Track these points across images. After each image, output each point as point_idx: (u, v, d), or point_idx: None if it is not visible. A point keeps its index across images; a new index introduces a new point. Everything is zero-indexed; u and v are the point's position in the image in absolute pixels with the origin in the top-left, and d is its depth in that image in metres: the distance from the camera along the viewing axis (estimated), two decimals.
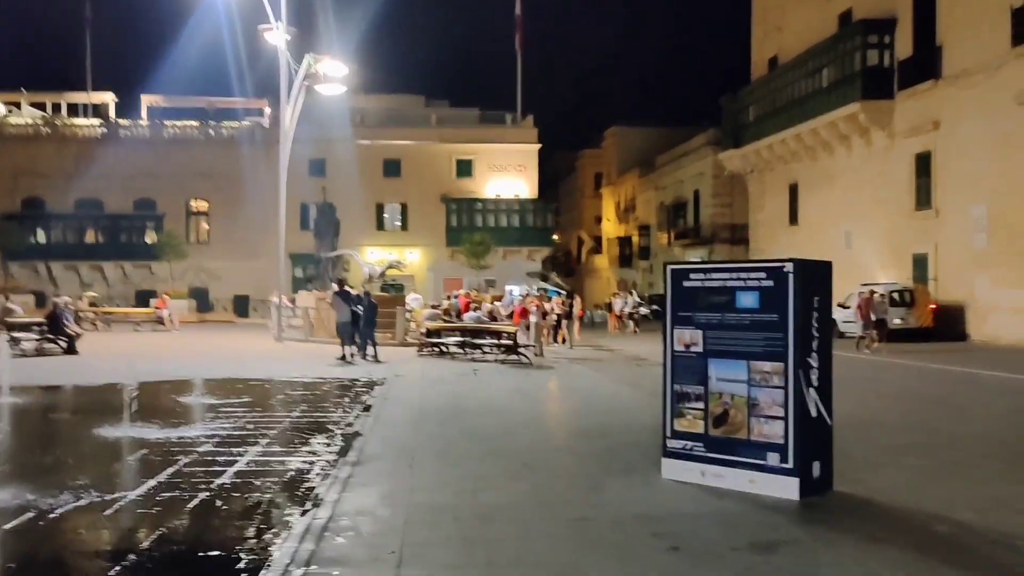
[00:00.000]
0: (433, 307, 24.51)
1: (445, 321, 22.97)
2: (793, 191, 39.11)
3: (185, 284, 47.20)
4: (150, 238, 47.04)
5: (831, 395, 6.72)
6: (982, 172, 26.24)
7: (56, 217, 47.46)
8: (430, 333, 21.49)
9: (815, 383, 6.53)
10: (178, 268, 46.34)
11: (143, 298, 44.23)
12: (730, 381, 6.71)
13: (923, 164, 29.35)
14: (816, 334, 6.55)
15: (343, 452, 8.26)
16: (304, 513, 5.98)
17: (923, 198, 29.41)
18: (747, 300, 6.62)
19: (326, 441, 8.96)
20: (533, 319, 21.27)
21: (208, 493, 6.62)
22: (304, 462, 7.84)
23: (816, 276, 6.71)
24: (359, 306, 19.64)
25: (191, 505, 6.29)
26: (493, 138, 49.48)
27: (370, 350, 19.78)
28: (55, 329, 19.27)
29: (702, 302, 6.91)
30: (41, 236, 47.53)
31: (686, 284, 7.04)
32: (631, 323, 35.25)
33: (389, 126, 49.72)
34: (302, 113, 49.06)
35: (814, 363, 6.53)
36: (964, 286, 26.97)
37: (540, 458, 8.08)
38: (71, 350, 19.18)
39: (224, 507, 6.29)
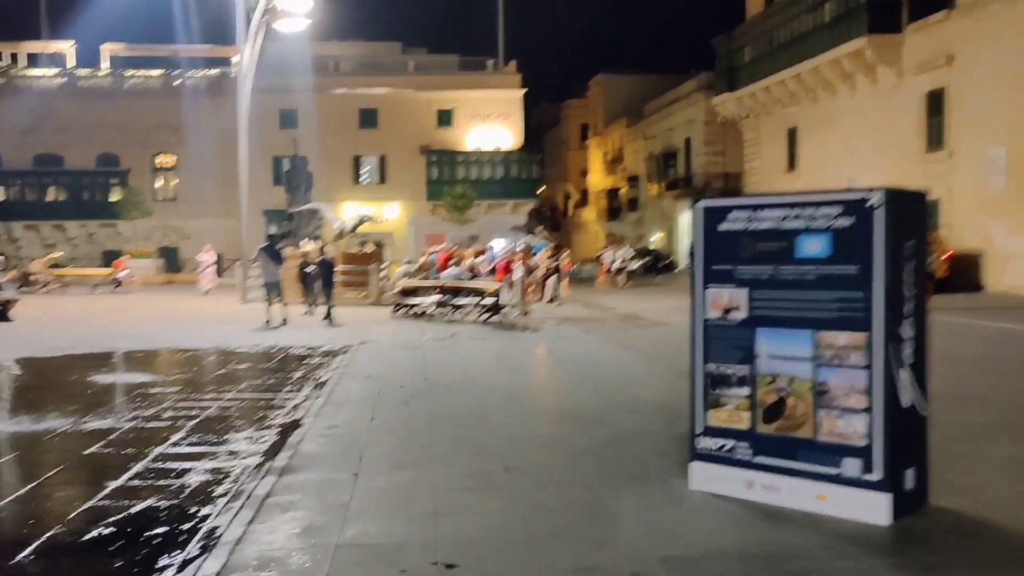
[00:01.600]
0: (407, 263, 22.53)
1: (422, 279, 21.05)
2: (792, 136, 37.09)
3: (154, 243, 44.97)
4: (114, 195, 44.57)
5: (926, 376, 4.88)
6: (1000, 110, 24.31)
7: (14, 174, 44.94)
8: (405, 292, 19.58)
9: (908, 361, 4.67)
10: (145, 227, 44.05)
11: (110, 259, 42.01)
12: (788, 359, 4.85)
13: (935, 103, 27.37)
14: (909, 293, 4.67)
15: (272, 452, 6.39)
16: (182, 569, 4.10)
17: (935, 139, 27.48)
18: (813, 247, 4.73)
19: (256, 435, 7.08)
20: (517, 275, 19.38)
21: (55, 530, 4.73)
22: (215, 470, 5.95)
23: (910, 212, 4.81)
24: (311, 267, 17.83)
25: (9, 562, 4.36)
26: (474, 85, 47.01)
27: (327, 311, 17.88)
28: None
29: (747, 251, 5.01)
30: None
31: (724, 227, 5.13)
32: (620, 278, 33.41)
33: (364, 74, 47.18)
34: (271, 62, 46.54)
35: (907, 333, 4.66)
36: (979, 233, 25.20)
37: (524, 456, 6.22)
38: (2, 317, 17.17)
39: (65, 559, 4.39)
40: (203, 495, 5.32)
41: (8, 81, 45.26)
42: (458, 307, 18.37)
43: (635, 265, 34.80)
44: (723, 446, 5.10)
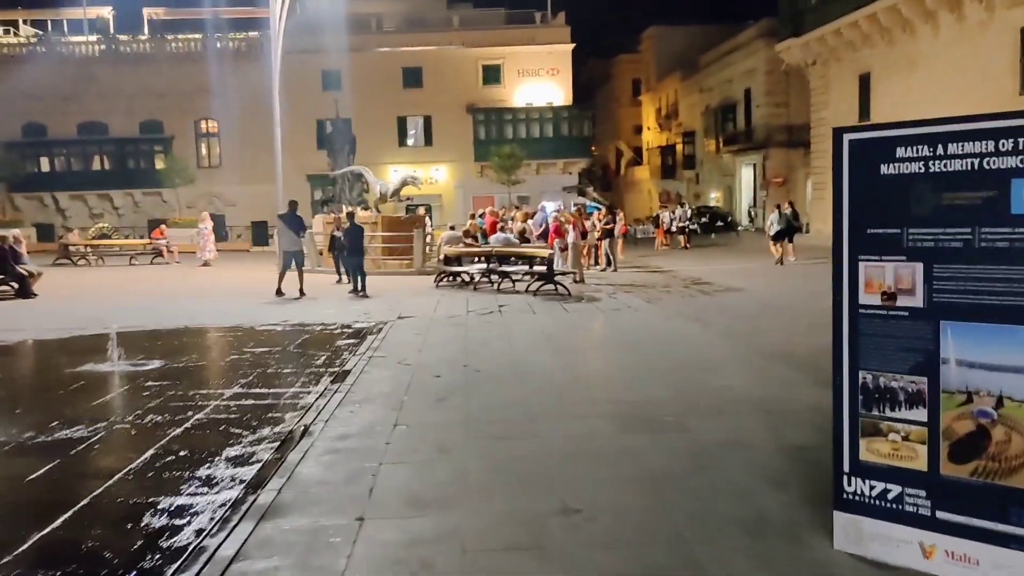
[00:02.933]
0: (452, 228, 20.99)
1: (467, 245, 19.53)
2: (864, 82, 34.39)
3: (198, 211, 44.18)
4: (159, 163, 43.81)
5: None
6: None
7: (58, 143, 44.42)
8: (449, 260, 18.06)
9: None
10: (190, 194, 43.27)
11: (155, 228, 41.40)
12: (994, 369, 3.18)
13: None
14: None
15: (259, 480, 4.92)
16: None
17: None
18: None
19: (247, 450, 5.62)
20: (570, 239, 17.73)
21: None
22: (179, 510, 4.49)
23: None
24: (338, 232, 16.44)
25: None
26: (522, 40, 44.88)
27: (358, 283, 16.42)
28: (2, 270, 16.16)
29: (925, 204, 3.32)
30: (44, 164, 44.59)
31: (887, 170, 3.43)
32: (681, 238, 31.51)
33: (407, 32, 45.41)
34: (311, 21, 45.15)
35: None
36: None
37: (586, 487, 4.65)
38: (24, 293, 16.12)
39: None
40: (147, 558, 3.86)
41: (49, 49, 44.56)
42: (506, 275, 16.80)
43: (694, 225, 32.71)
44: (886, 492, 3.47)
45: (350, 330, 11.45)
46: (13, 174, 42.61)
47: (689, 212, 33.11)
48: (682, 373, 7.94)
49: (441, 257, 18.63)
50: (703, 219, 42.74)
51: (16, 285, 16.27)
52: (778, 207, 24.62)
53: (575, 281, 17.55)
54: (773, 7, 42.25)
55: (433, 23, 46.01)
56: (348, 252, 16.80)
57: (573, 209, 28.42)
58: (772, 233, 22.99)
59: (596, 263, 22.46)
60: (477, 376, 7.99)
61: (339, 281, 19.07)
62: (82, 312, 13.84)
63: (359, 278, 16.42)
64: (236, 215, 45.24)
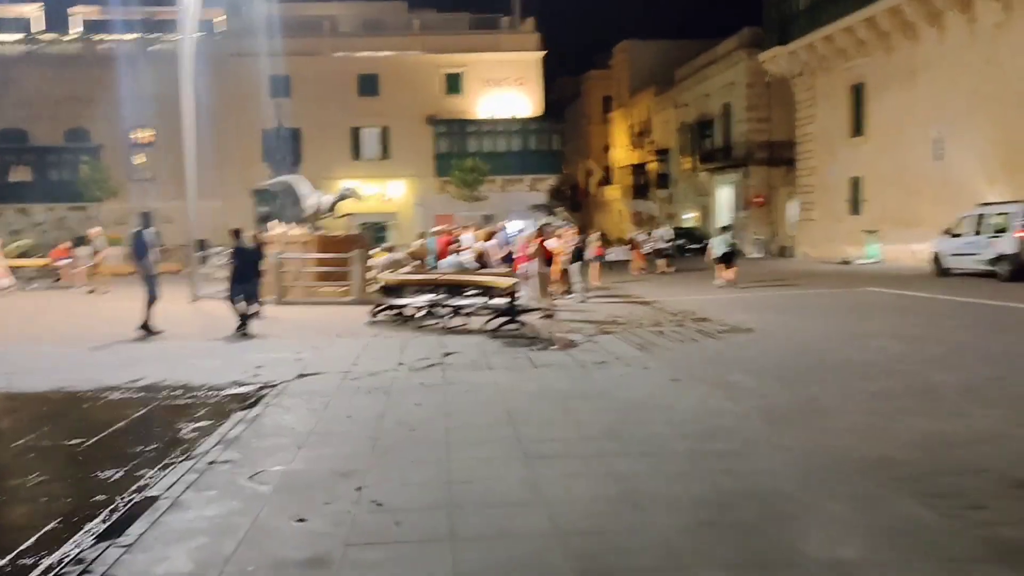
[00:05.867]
0: (391, 249, 17.47)
1: (415, 269, 16.02)
2: (857, 93, 31.62)
3: (131, 228, 40.17)
4: (84, 174, 39.76)
5: None
6: None
7: None
8: (388, 289, 14.47)
9: None
10: (120, 210, 39.20)
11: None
12: None
13: None
14: None
15: None
16: None
17: None
18: None
19: None
20: (535, 266, 14.33)
21: None
22: None
23: None
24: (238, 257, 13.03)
25: None
26: (487, 46, 41.67)
27: (251, 312, 13.07)
28: None
29: None
30: None
31: None
32: (660, 262, 28.25)
33: (364, 35, 41.97)
34: (259, 23, 41.55)
35: None
36: None
37: None
38: None
39: None
40: None
41: None
42: (459, 309, 13.29)
43: (668, 247, 29.42)
44: None
45: (216, 398, 7.84)
46: None
47: (670, 233, 29.84)
48: (742, 519, 4.46)
49: (379, 286, 15.04)
50: (678, 241, 39.58)
51: None
52: (722, 231, 23.37)
53: (544, 316, 14.11)
54: (754, 18, 39.64)
55: (392, 27, 42.70)
56: (233, 279, 13.26)
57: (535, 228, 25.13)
58: (716, 256, 21.82)
59: (568, 291, 19.04)
60: (375, 520, 4.46)
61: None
62: None
63: (247, 307, 13.00)
64: (173, 232, 41.21)
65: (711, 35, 46.28)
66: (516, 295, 12.34)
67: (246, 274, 13.17)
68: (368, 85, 41.55)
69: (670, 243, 29.44)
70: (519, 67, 41.70)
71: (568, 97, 69.84)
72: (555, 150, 42.81)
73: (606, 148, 66.86)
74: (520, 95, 41.87)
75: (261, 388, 8.30)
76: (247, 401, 7.66)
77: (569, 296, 18.60)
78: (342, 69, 41.13)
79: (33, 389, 8.43)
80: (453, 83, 41.86)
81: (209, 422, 6.82)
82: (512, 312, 12.05)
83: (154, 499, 4.84)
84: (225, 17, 42.93)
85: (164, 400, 7.81)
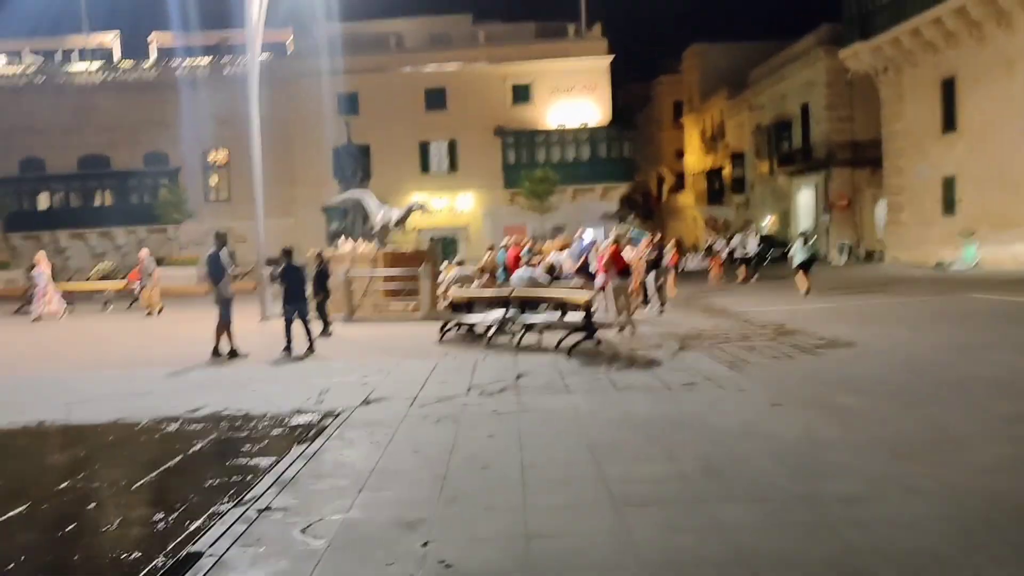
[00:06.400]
0: (460, 264, 16.89)
1: (484, 285, 15.43)
2: (948, 88, 29.86)
3: (207, 249, 40.79)
4: (163, 197, 40.55)
5: None
6: None
7: (58, 179, 41.41)
8: (457, 306, 13.89)
9: None
10: (197, 231, 39.85)
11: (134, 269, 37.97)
12: None
13: None
14: None
15: None
16: None
17: None
18: None
19: None
20: (613, 279, 13.56)
21: None
22: None
23: None
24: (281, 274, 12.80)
25: None
26: (554, 54, 41.01)
27: (313, 332, 12.87)
28: None
29: None
30: (43, 201, 41.57)
31: None
32: (741, 270, 27.10)
33: (430, 50, 41.83)
34: (329, 43, 41.84)
35: None
36: None
37: None
38: None
39: None
40: None
41: (48, 79, 41.75)
42: (532, 326, 12.61)
43: (753, 253, 28.20)
44: None
45: (275, 430, 7.32)
46: (9, 211, 39.73)
47: (755, 241, 28.58)
48: None
49: (448, 302, 14.48)
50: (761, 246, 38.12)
51: None
52: (802, 236, 22.25)
53: (621, 329, 13.33)
54: (832, 14, 38.08)
55: (458, 40, 42.42)
56: (284, 299, 12.97)
57: (609, 239, 24.30)
58: (795, 264, 20.86)
59: (645, 302, 18.19)
60: None
61: (323, 332, 15.07)
62: None
63: (305, 331, 12.68)
64: (247, 251, 41.72)
65: (784, 35, 44.86)
66: (593, 310, 11.59)
67: (297, 293, 12.83)
68: (435, 99, 41.36)
69: (758, 250, 28.22)
70: (587, 74, 40.95)
71: (637, 103, 68.76)
72: (626, 157, 41.86)
73: (678, 154, 65.52)
74: (589, 103, 41.09)
75: (323, 417, 7.75)
76: (308, 433, 7.11)
77: (646, 308, 17.76)
78: (409, 84, 41.06)
79: (91, 420, 8.06)
80: (520, 93, 41.35)
81: (266, 459, 6.27)
82: (589, 328, 11.32)
83: (196, 557, 4.27)
84: (293, 38, 43.39)
85: (222, 433, 7.32)
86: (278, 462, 6.14)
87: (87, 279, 34.26)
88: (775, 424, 6.85)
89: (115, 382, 10.43)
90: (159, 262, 37.73)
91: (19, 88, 41.51)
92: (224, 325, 12.63)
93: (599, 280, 14.60)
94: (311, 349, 12.68)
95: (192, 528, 4.77)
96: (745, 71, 50.19)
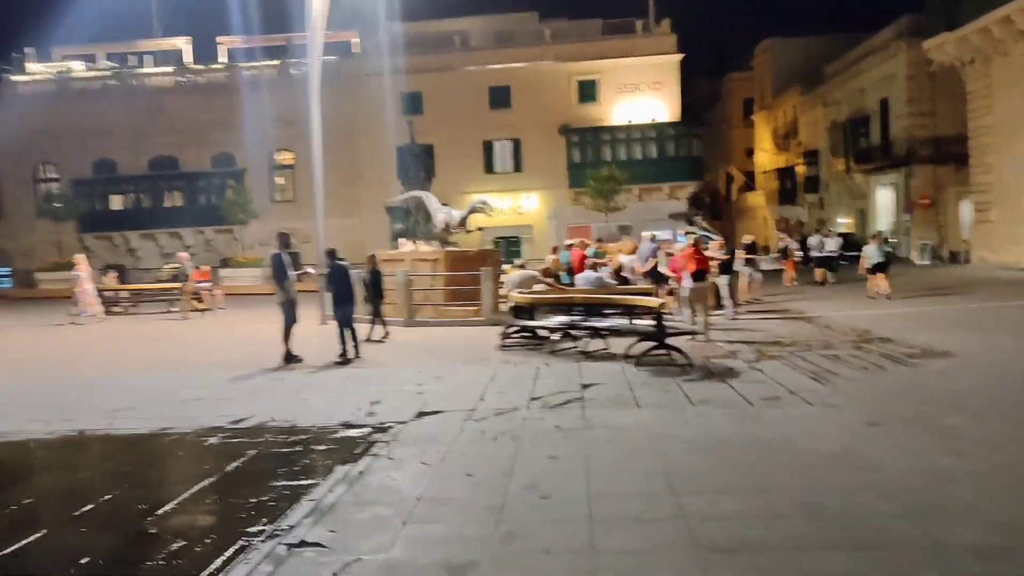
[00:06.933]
0: (522, 266, 16.26)
1: (549, 287, 14.76)
2: None
3: (271, 249, 41.02)
4: (229, 198, 40.94)
5: None
6: None
7: (129, 180, 42.13)
8: (519, 310, 13.25)
9: None
10: (263, 231, 40.09)
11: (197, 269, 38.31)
12: None
13: None
14: None
15: None
16: None
17: None
18: None
19: None
20: (686, 283, 12.74)
21: None
22: None
23: None
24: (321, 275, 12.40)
25: None
26: (621, 51, 40.08)
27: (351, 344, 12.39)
28: None
29: None
30: (115, 202, 42.37)
31: None
32: (819, 271, 25.87)
33: (495, 48, 41.31)
34: (393, 42, 41.70)
35: None
36: None
37: None
38: None
39: None
40: None
41: (121, 82, 42.55)
42: (597, 332, 11.89)
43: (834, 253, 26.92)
44: None
45: (320, 445, 6.78)
46: (83, 212, 40.63)
47: (836, 241, 27.35)
48: None
49: (509, 306, 13.85)
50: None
51: None
52: (874, 237, 21.66)
53: (697, 334, 12.52)
54: (913, 5, 36.35)
55: (523, 38, 41.78)
56: (334, 301, 12.57)
57: (684, 239, 23.49)
58: (869, 265, 20.34)
59: (718, 306, 17.28)
60: None
61: (371, 337, 14.59)
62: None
63: (346, 336, 12.19)
64: (312, 251, 41.86)
65: (861, 28, 43.12)
66: (664, 315, 10.81)
67: (344, 295, 12.40)
68: (500, 97, 40.82)
69: (840, 250, 26.97)
70: (656, 71, 39.90)
71: (706, 101, 67.22)
72: (695, 156, 40.67)
73: (748, 152, 63.83)
74: (657, 100, 40.03)
75: (372, 432, 7.19)
76: (354, 450, 6.55)
77: (718, 313, 16.85)
78: (473, 83, 40.61)
79: (133, 430, 7.65)
80: (587, 91, 40.52)
81: (306, 481, 5.72)
82: (660, 335, 10.55)
83: None
84: (358, 39, 43.38)
85: (264, 447, 6.81)
86: (318, 484, 5.57)
87: (156, 280, 34.76)
88: (876, 449, 6.02)
89: (167, 386, 10.08)
90: (225, 262, 38.32)
91: (94, 91, 42.36)
92: (288, 327, 12.25)
93: (674, 284, 13.79)
94: (356, 354, 12.21)
95: (214, 566, 4.22)
96: (819, 66, 48.48)
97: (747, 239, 21.45)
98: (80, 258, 22.55)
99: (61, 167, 42.47)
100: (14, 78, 43.65)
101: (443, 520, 4.80)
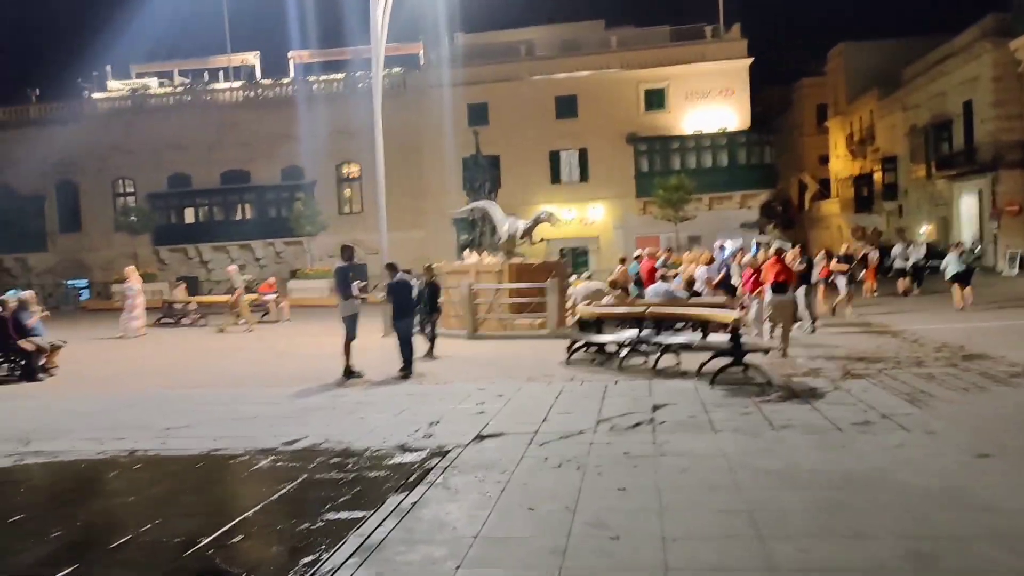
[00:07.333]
0: (589, 278, 15.70)
1: (617, 300, 14.19)
2: None
3: (337, 261, 41.27)
4: (297, 210, 41.35)
5: None
6: None
7: (202, 193, 42.95)
8: (585, 324, 12.73)
9: None
10: (330, 243, 40.38)
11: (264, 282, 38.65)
12: None
13: None
14: None
15: None
16: None
17: None
18: None
19: None
20: (768, 297, 12.09)
21: None
22: None
23: None
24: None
25: None
26: (690, 58, 39.23)
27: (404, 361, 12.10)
28: (3, 345, 12.43)
29: None
30: (189, 215, 43.25)
31: None
32: (902, 282, 24.72)
33: (561, 57, 40.89)
34: (461, 53, 41.67)
35: None
36: None
37: None
38: (30, 374, 12.30)
39: None
40: None
41: (194, 98, 43.48)
42: (668, 348, 11.29)
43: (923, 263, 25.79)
44: None
45: (374, 471, 6.38)
46: (158, 225, 41.60)
47: (922, 250, 26.27)
48: None
49: (576, 319, 13.34)
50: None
51: (21, 363, 12.47)
52: (956, 246, 20.57)
53: (777, 350, 11.80)
54: (996, 4, 34.69)
55: (589, 46, 41.28)
56: (394, 315, 12.24)
57: (758, 250, 22.62)
58: (949, 276, 19.51)
59: (795, 321, 16.44)
60: None
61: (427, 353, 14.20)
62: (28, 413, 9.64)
63: (407, 350, 11.85)
64: (379, 263, 41.99)
65: (940, 30, 41.39)
66: (740, 330, 10.16)
67: (404, 309, 12.06)
68: (566, 107, 40.36)
69: (925, 260, 25.83)
70: (725, 77, 38.92)
71: (776, 108, 65.53)
72: (767, 163, 39.51)
73: (822, 160, 61.97)
74: (726, 107, 39.04)
75: (429, 456, 6.77)
76: (409, 477, 6.14)
77: (796, 327, 16.03)
78: (539, 92, 40.24)
79: (183, 450, 7.40)
80: (654, 98, 39.75)
81: (355, 512, 5.32)
82: (737, 352, 9.91)
83: None
84: (424, 50, 43.48)
85: (314, 471, 6.45)
86: (368, 517, 5.16)
87: (226, 292, 35.25)
88: (989, 486, 5.34)
89: (224, 404, 9.86)
90: (293, 274, 38.68)
91: (168, 107, 43.38)
92: (349, 342, 11.97)
93: (750, 297, 13.12)
94: (408, 371, 11.87)
95: None
96: (896, 70, 46.75)
97: (844, 249, 20.65)
98: (130, 270, 21.35)
99: (137, 181, 43.55)
100: (94, 95, 45.02)
101: (500, 564, 4.34)
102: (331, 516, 5.27)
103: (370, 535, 4.82)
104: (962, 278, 19.33)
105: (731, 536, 4.60)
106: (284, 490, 5.95)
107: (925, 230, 43.72)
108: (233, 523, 5.25)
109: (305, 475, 6.35)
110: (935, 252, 36.31)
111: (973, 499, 5.06)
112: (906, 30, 56.87)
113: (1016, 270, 33.60)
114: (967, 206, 40.13)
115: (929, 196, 43.88)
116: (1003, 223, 36.20)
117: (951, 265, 19.56)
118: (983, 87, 37.04)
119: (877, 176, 51.13)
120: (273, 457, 6.99)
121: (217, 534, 5.06)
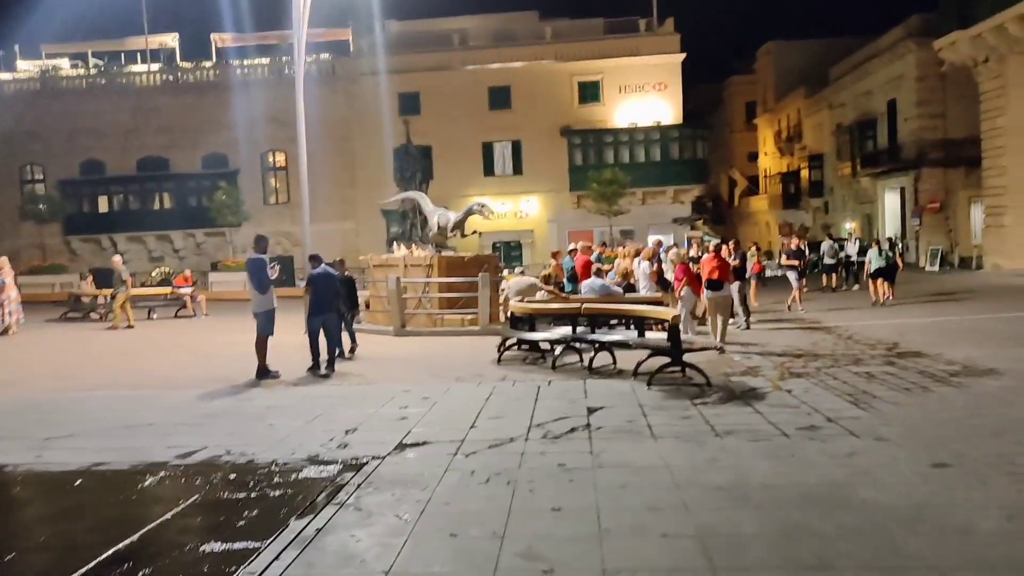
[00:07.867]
0: (522, 272, 15.11)
1: (551, 295, 13.61)
2: None
3: (249, 254, 39.76)
4: (219, 200, 39.70)
5: None
6: None
7: (117, 181, 40.91)
8: (517, 320, 12.11)
9: None
10: (251, 234, 38.87)
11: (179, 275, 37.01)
12: None
13: None
14: None
15: None
16: None
17: None
18: None
19: None
20: (706, 293, 11.68)
21: None
22: None
23: None
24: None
25: None
26: (624, 51, 38.97)
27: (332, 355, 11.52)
28: None
29: None
30: (102, 204, 41.13)
31: None
32: (827, 277, 24.91)
33: (495, 47, 40.19)
34: (390, 41, 40.60)
35: None
36: None
37: None
38: None
39: None
40: None
41: (110, 81, 41.39)
42: (603, 346, 10.74)
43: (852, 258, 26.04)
44: None
45: (277, 489, 5.63)
46: (69, 214, 39.47)
47: (857, 245, 26.65)
48: None
49: (507, 315, 12.72)
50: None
51: None
52: (876, 243, 21.47)
53: (714, 347, 11.38)
54: (921, 4, 35.38)
55: (524, 37, 40.67)
56: (310, 309, 11.47)
57: (686, 246, 22.45)
58: (871, 272, 19.93)
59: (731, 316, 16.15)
60: None
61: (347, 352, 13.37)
62: None
63: (329, 346, 11.30)
64: (303, 256, 40.71)
65: (865, 30, 42.22)
66: (679, 328, 9.67)
67: (322, 305, 11.27)
68: (500, 98, 39.70)
69: (857, 256, 26.04)
70: (659, 71, 38.79)
71: (707, 106, 66.08)
72: (699, 158, 39.56)
73: (751, 156, 62.79)
74: (660, 102, 38.91)
75: (342, 470, 6.04)
76: (316, 496, 5.41)
77: (730, 323, 15.72)
78: (472, 83, 39.49)
79: (60, 464, 6.50)
80: (588, 91, 39.40)
81: (249, 544, 4.57)
82: (677, 352, 9.40)
83: None
84: (352, 36, 42.23)
85: (209, 492, 5.66)
86: (263, 550, 4.42)
87: (142, 284, 33.57)
88: (957, 503, 4.89)
89: (118, 408, 8.93)
90: (215, 266, 37.14)
91: (82, 90, 41.23)
92: (263, 339, 11.07)
93: (686, 292, 12.69)
94: (330, 367, 11.12)
95: None
96: (824, 69, 47.51)
97: (793, 243, 20.58)
98: (3, 261, 19.12)
99: (47, 168, 41.28)
100: (0, 76, 42.51)
101: None
102: (217, 548, 4.51)
103: (262, 573, 4.09)
104: (885, 274, 19.65)
105: (680, 568, 4.02)
106: (166, 516, 5.15)
107: (850, 227, 44.51)
108: (95, 562, 4.43)
109: (196, 496, 5.55)
110: (863, 248, 36.97)
111: (944, 520, 4.59)
112: (834, 30, 57.97)
113: (937, 266, 34.31)
114: (890, 203, 40.94)
115: (854, 193, 44.67)
116: (925, 220, 36.97)
117: (873, 261, 19.91)
118: (907, 86, 37.75)
119: (804, 173, 51.93)
120: (163, 473, 6.17)
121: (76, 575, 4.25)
